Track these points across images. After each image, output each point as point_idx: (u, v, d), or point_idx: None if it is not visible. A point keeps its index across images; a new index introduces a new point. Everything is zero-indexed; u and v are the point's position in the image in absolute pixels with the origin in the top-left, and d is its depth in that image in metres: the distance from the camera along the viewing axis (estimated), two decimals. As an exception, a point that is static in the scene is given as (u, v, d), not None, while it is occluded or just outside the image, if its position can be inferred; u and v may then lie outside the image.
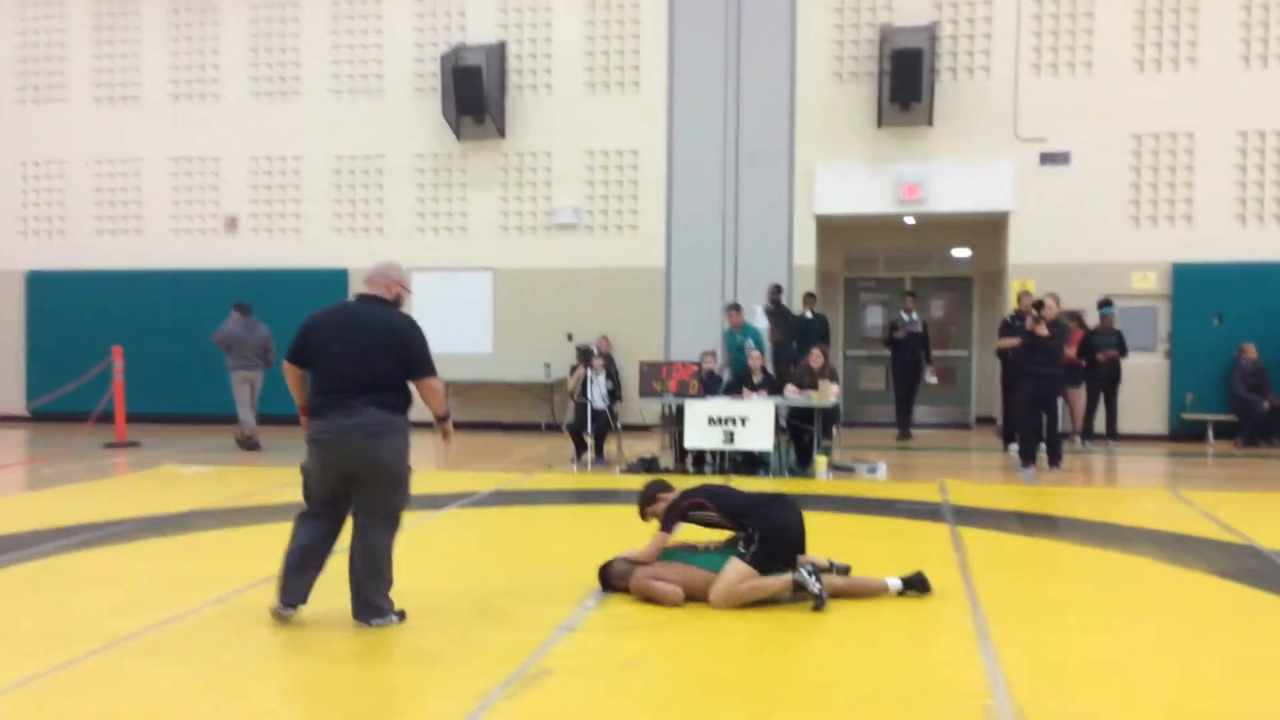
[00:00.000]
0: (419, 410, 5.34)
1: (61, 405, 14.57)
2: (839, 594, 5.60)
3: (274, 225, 15.96)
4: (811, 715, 4.10)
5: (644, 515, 5.99)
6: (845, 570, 5.96)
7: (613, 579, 5.78)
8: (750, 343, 12.30)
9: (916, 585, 5.74)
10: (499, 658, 4.73)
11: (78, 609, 5.59)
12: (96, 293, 16.11)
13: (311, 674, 4.73)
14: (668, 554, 5.77)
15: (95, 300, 16.07)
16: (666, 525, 5.81)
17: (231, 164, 16.05)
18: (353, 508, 5.25)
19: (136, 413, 14.24)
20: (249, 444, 12.88)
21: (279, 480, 9.97)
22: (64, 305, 16.24)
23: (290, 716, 4.13)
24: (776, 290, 13.78)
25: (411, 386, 5.33)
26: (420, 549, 7.21)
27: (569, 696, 4.34)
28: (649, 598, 5.56)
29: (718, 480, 10.34)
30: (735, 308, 13.01)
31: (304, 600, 5.25)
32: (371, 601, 5.22)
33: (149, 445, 13.31)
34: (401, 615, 5.28)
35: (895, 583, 5.73)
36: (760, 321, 14.02)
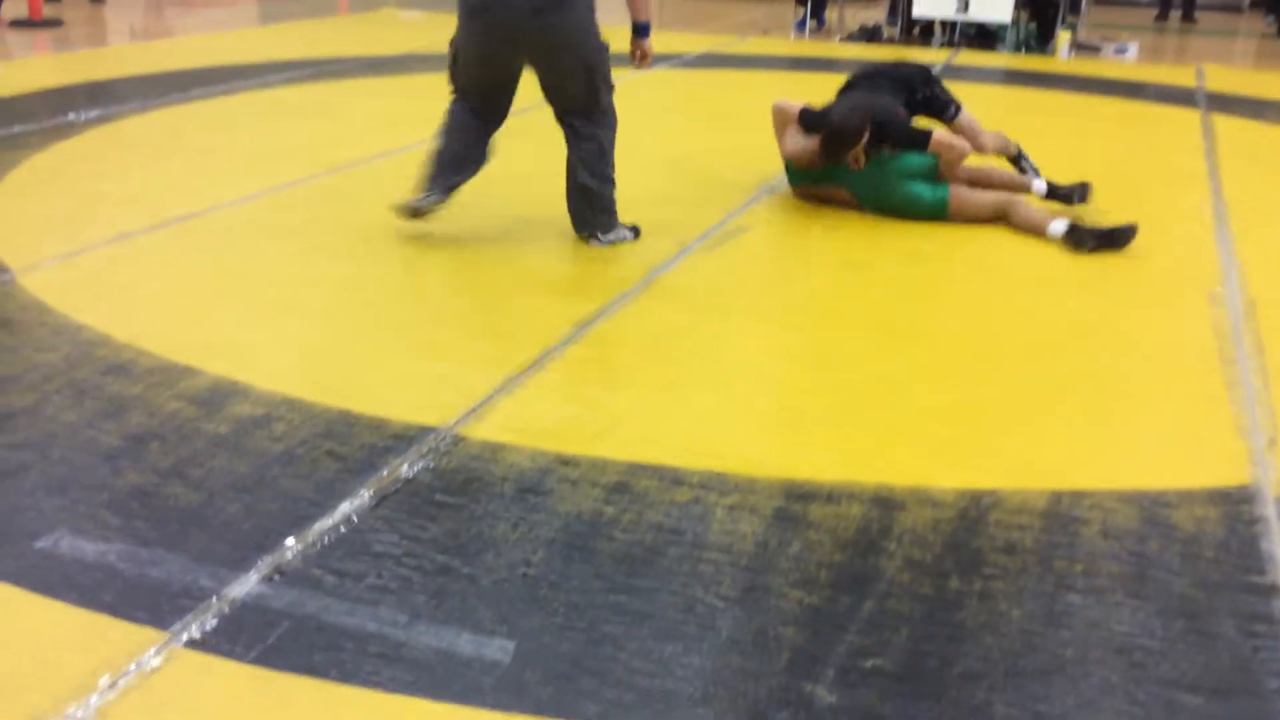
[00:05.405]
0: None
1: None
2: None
3: None
4: (1030, 292, 3.92)
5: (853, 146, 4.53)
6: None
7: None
8: None
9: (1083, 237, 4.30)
10: (701, 214, 4.68)
11: (298, 138, 5.80)
12: None
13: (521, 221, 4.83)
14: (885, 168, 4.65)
15: None
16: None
17: None
18: (554, 110, 4.21)
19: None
20: None
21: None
22: None
23: (506, 242, 4.24)
24: None
25: None
26: (624, 108, 7.09)
27: (761, 250, 4.29)
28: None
29: (944, 54, 9.67)
30: None
31: (445, 196, 4.20)
32: (600, 207, 4.23)
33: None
34: (636, 231, 4.35)
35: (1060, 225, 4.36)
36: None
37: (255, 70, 7.68)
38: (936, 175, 4.60)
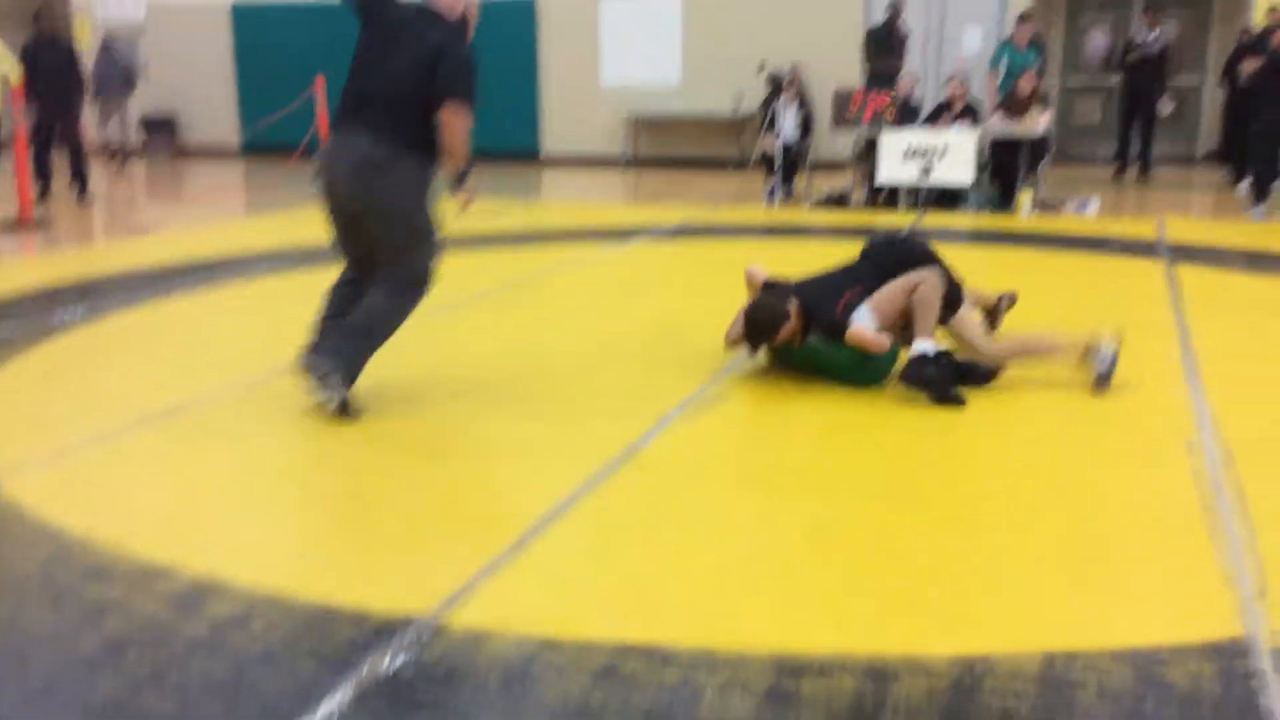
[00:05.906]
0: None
1: (272, 137, 15.11)
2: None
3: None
4: (1011, 450, 3.95)
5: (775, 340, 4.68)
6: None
7: None
8: (1036, 60, 11.08)
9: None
10: (679, 382, 4.73)
11: (280, 328, 5.87)
12: (298, 26, 16.25)
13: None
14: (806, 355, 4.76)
15: (298, 33, 16.21)
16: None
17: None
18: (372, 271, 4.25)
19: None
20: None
21: (489, 209, 10.14)
22: (269, 39, 16.47)
23: (481, 420, 4.26)
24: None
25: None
26: (602, 278, 7.25)
27: (741, 417, 4.32)
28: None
29: (911, 217, 9.96)
30: (1025, 19, 11.47)
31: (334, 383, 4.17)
32: (346, 354, 4.15)
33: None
34: (351, 408, 4.20)
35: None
36: (970, 46, 13.01)
37: (240, 262, 7.84)
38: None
